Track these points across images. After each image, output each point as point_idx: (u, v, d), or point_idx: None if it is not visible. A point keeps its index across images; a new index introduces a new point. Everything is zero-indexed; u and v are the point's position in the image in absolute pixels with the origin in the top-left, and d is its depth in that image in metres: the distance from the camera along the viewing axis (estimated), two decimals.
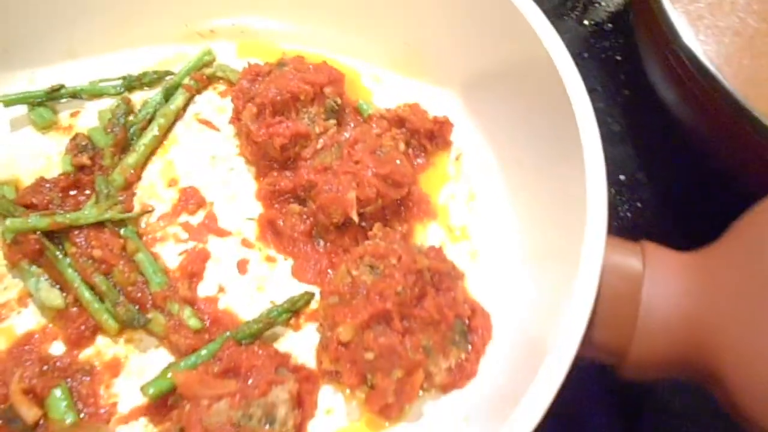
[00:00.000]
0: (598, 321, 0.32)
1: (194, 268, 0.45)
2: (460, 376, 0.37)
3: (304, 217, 0.47)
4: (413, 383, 0.36)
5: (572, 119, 0.38)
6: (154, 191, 0.49)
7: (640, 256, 0.34)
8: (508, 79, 0.47)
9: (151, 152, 0.50)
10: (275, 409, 0.36)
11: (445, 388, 0.38)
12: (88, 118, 0.52)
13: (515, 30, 0.43)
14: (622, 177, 0.53)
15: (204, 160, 0.51)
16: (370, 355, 0.37)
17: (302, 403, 0.39)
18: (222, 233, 0.47)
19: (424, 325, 0.38)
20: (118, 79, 0.53)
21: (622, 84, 0.59)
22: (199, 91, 0.54)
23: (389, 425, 0.38)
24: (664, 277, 0.32)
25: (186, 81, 0.53)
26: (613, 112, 0.57)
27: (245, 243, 0.47)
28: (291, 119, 0.48)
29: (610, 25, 0.62)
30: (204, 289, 0.45)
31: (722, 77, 0.40)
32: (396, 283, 0.38)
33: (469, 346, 0.40)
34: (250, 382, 0.37)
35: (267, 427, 0.35)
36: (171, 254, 0.46)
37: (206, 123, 0.53)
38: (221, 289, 0.45)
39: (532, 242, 0.44)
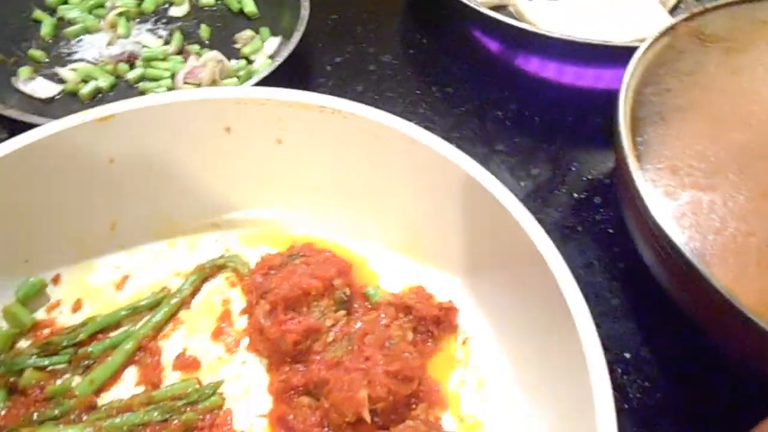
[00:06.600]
0: None
1: None
2: None
3: (314, 409, 0.47)
4: None
5: (569, 314, 0.40)
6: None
7: None
8: (504, 267, 0.50)
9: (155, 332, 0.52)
10: None
11: None
12: None
13: (505, 225, 0.47)
14: (627, 355, 0.54)
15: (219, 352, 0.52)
16: None
17: None
18: None
19: None
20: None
21: (617, 257, 0.61)
22: (206, 279, 0.57)
23: None
24: None
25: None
26: (610, 287, 0.59)
27: None
28: (303, 314, 0.50)
29: (598, 198, 0.66)
30: None
31: (709, 275, 0.42)
32: None
33: None
34: None
35: None
36: None
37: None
38: None
39: None
